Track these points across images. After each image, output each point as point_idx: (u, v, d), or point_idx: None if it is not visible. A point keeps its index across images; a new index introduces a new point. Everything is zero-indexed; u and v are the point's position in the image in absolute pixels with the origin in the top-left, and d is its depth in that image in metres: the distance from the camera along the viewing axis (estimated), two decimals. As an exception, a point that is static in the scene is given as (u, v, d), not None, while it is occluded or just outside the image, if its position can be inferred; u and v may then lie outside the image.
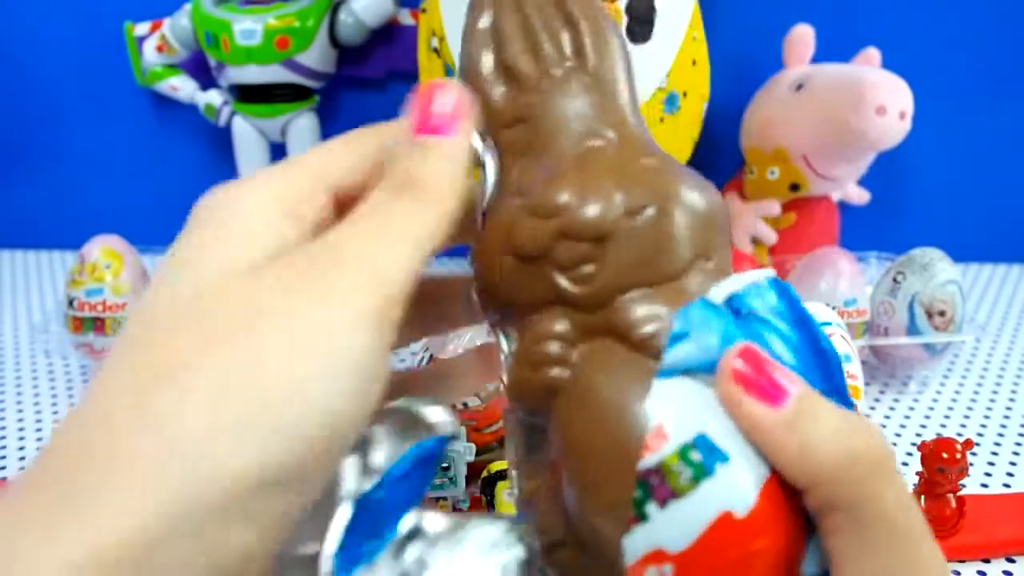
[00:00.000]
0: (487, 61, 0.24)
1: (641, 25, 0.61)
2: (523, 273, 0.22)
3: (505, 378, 0.23)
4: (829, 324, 0.53)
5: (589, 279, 0.21)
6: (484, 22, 0.24)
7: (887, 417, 0.61)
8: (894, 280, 0.63)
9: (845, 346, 0.53)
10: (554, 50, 0.24)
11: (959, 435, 0.58)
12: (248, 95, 0.77)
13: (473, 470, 0.47)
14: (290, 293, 0.19)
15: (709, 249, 0.22)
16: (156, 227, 0.79)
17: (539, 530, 0.22)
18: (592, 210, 0.21)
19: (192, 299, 0.19)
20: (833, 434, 0.18)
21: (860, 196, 0.82)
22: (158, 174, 0.91)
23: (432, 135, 0.22)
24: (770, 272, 0.21)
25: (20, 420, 0.62)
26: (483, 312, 0.24)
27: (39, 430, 0.60)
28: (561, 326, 0.21)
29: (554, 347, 0.21)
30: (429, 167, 0.21)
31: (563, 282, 0.21)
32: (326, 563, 0.21)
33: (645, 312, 0.21)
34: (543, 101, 0.23)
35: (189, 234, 0.21)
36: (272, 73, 0.75)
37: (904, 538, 0.18)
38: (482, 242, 0.23)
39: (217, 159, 0.88)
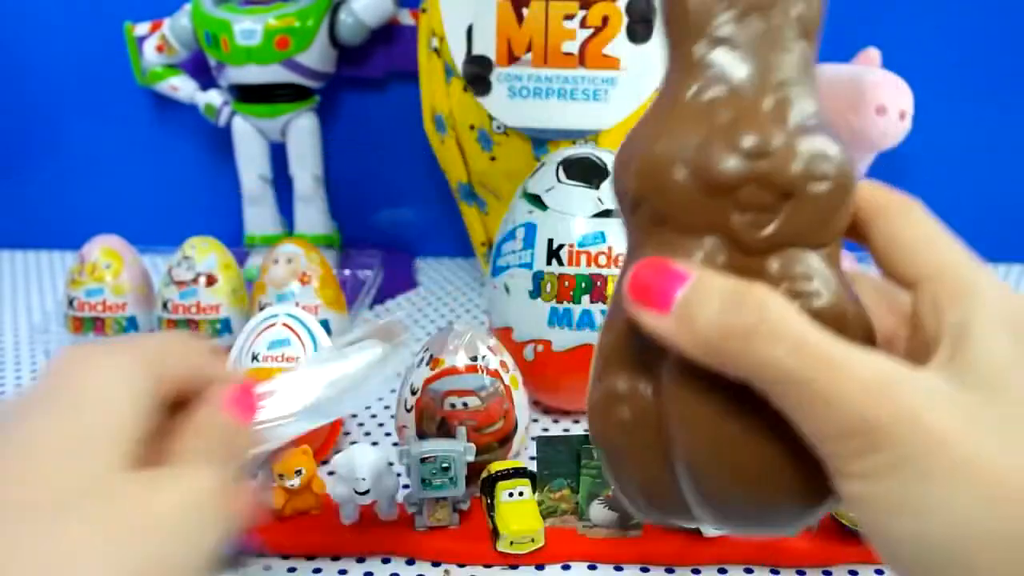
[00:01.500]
0: None
1: (641, 25, 0.61)
2: (697, 195, 0.22)
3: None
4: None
5: (762, 226, 0.22)
6: None
7: (887, 417, 0.61)
8: (894, 280, 0.63)
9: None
10: None
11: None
12: (248, 95, 0.77)
13: (473, 470, 0.47)
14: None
15: (846, 223, 0.23)
16: (156, 227, 0.80)
17: (619, 430, 0.23)
18: (793, 167, 0.22)
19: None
20: (717, 315, 0.20)
21: (860, 196, 0.82)
22: (158, 174, 0.91)
23: (237, 416, 0.24)
24: None
25: (20, 420, 0.62)
26: (619, 203, 0.24)
27: (39, 430, 0.60)
28: (718, 258, 0.22)
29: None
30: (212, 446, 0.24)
31: (739, 222, 0.22)
32: None
33: (801, 270, 0.22)
34: (753, 35, 0.23)
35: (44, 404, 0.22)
36: (272, 73, 0.75)
37: (799, 385, 0.20)
38: (651, 147, 0.23)
39: (217, 159, 0.88)
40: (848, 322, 0.22)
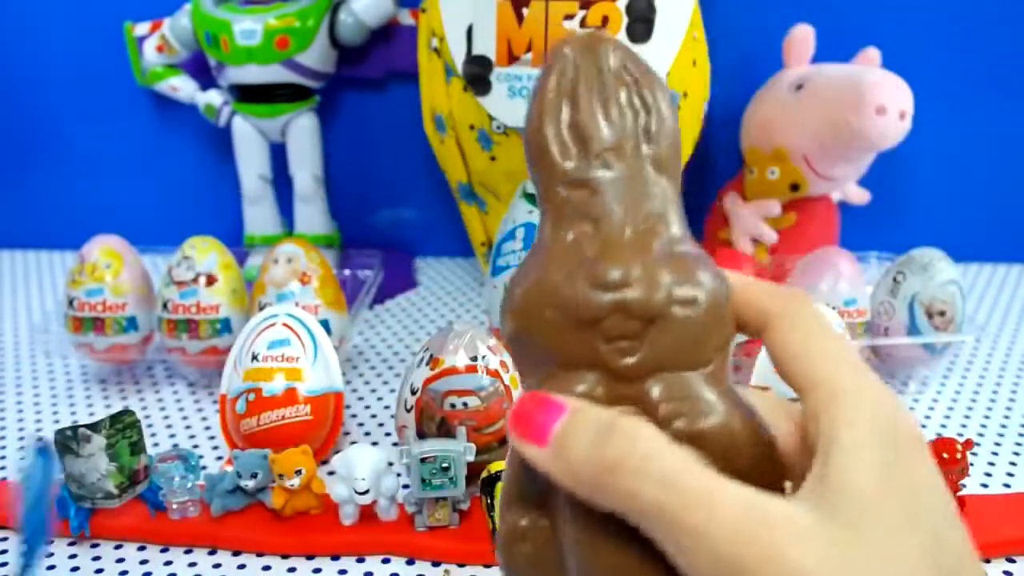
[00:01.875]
0: (558, 116, 0.24)
1: (641, 25, 0.61)
2: (566, 333, 0.23)
3: None
4: (829, 324, 0.53)
5: (631, 353, 0.23)
6: (559, 80, 0.24)
7: (887, 417, 0.61)
8: (894, 280, 0.63)
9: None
10: (628, 124, 0.25)
11: (959, 435, 0.58)
12: (248, 95, 0.77)
13: (473, 470, 0.47)
14: None
15: (727, 341, 0.24)
16: (156, 227, 0.80)
17: (523, 565, 0.24)
18: (651, 293, 0.22)
19: None
20: (588, 448, 0.20)
21: (860, 196, 0.82)
22: (158, 174, 0.91)
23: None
24: None
25: (20, 420, 0.62)
26: (506, 347, 0.25)
27: (39, 430, 0.60)
28: (597, 390, 0.23)
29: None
30: None
31: (607, 352, 0.23)
32: None
33: (679, 391, 0.23)
34: (612, 172, 0.24)
35: None
36: (272, 73, 0.75)
37: (668, 522, 0.19)
38: (523, 289, 0.24)
39: (217, 159, 0.88)
40: (736, 439, 0.22)
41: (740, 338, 0.25)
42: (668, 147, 0.25)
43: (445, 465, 0.45)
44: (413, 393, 0.51)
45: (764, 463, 0.23)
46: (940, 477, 0.20)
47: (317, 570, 0.46)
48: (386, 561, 0.47)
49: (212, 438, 0.59)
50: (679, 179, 0.25)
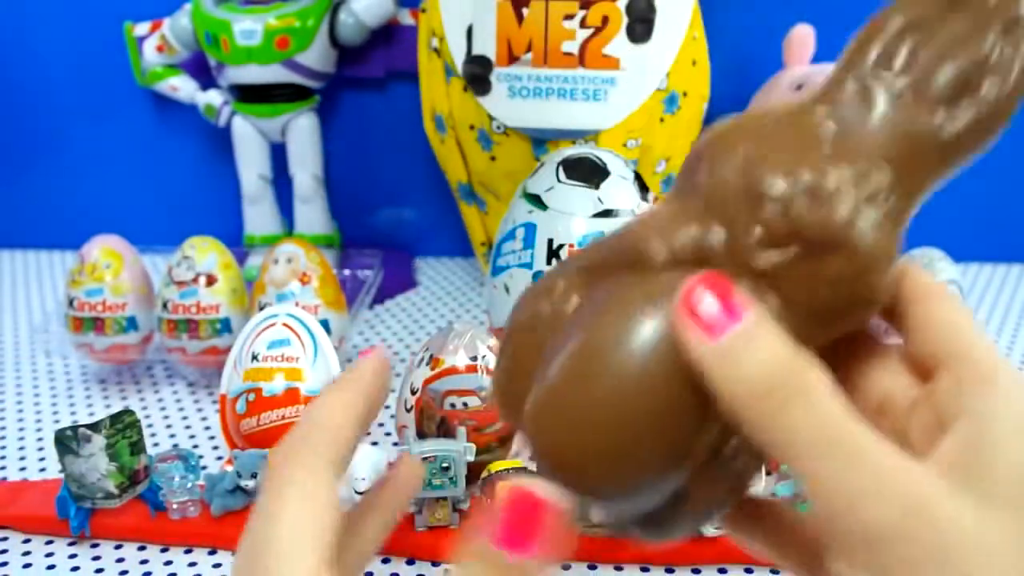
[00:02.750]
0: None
1: (641, 25, 0.61)
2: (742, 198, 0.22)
3: None
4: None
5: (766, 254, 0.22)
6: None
7: (887, 417, 0.61)
8: (894, 280, 0.63)
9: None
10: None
11: (959, 435, 0.58)
12: (248, 95, 0.77)
13: (473, 470, 0.47)
14: None
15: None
16: (156, 227, 0.80)
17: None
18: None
19: None
20: (766, 368, 0.20)
21: (860, 196, 0.82)
22: (158, 174, 0.91)
23: (515, 551, 0.20)
24: None
25: (20, 420, 0.62)
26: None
27: (39, 430, 0.60)
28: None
29: None
30: None
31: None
32: None
33: None
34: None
35: None
36: (272, 73, 0.75)
37: (832, 472, 0.19)
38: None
39: (217, 159, 0.88)
40: None
41: None
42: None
43: (445, 465, 0.45)
44: (413, 393, 0.51)
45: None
46: None
47: (317, 570, 0.46)
48: (386, 561, 0.47)
49: (212, 438, 0.59)
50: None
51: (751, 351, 0.20)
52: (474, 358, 0.50)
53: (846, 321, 0.22)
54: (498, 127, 0.65)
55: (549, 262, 0.54)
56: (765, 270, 0.21)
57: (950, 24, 0.22)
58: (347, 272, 0.77)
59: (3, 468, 0.56)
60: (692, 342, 0.20)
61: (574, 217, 0.53)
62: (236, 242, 0.75)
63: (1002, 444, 0.19)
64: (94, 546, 0.48)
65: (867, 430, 0.19)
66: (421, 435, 0.50)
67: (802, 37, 0.76)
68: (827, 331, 0.22)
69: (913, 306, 0.23)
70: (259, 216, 0.82)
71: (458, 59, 0.64)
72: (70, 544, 0.48)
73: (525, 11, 0.61)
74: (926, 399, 0.22)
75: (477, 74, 0.63)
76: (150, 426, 0.60)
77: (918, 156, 0.22)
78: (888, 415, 0.23)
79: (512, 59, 0.62)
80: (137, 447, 0.47)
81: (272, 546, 0.22)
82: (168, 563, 0.47)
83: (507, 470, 0.47)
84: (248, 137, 0.79)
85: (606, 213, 0.53)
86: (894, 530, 0.19)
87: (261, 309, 0.60)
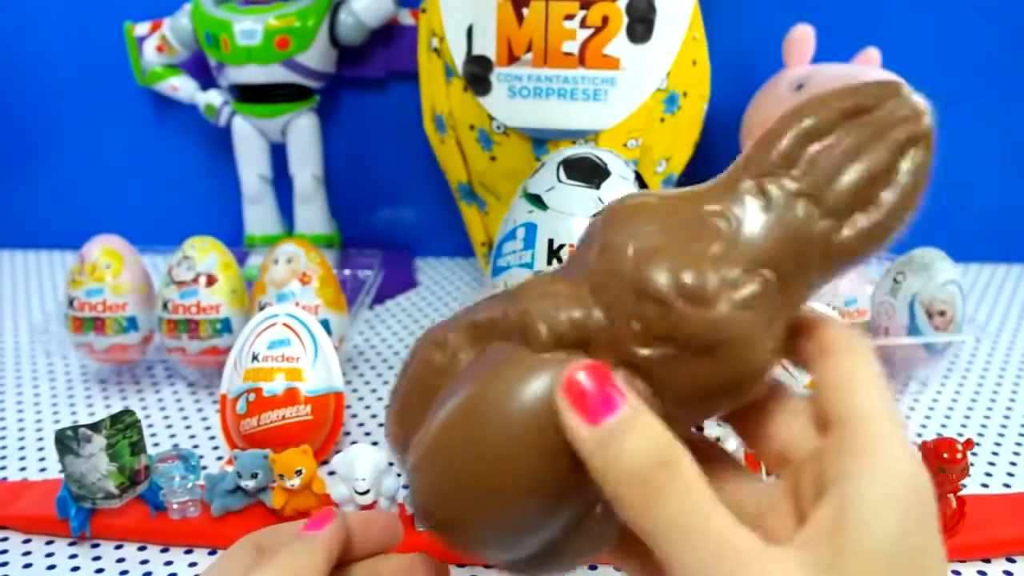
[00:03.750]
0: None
1: (641, 25, 0.61)
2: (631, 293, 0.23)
3: None
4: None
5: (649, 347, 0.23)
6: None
7: (887, 417, 0.61)
8: (894, 280, 0.63)
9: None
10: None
11: (960, 435, 0.58)
12: (248, 95, 0.77)
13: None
14: None
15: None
16: (156, 227, 0.80)
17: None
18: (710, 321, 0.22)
19: None
20: (638, 458, 0.20)
21: (860, 196, 0.82)
22: (158, 174, 0.91)
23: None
24: None
25: (20, 420, 0.62)
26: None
27: (39, 430, 0.60)
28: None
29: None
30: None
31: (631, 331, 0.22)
32: None
33: None
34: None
35: None
36: (272, 73, 0.75)
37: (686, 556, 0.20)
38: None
39: (217, 159, 0.88)
40: None
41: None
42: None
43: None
44: (413, 393, 0.50)
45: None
46: (942, 541, 0.21)
47: (317, 570, 0.46)
48: (386, 561, 0.47)
49: (212, 438, 0.59)
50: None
51: (625, 440, 0.20)
52: (474, 358, 0.50)
53: (721, 406, 0.23)
54: (498, 127, 0.65)
55: (550, 262, 0.54)
56: (641, 362, 0.22)
57: (853, 133, 0.23)
58: (347, 272, 0.77)
59: (3, 468, 0.56)
60: (573, 425, 0.21)
61: (575, 217, 0.53)
62: (236, 242, 0.75)
63: (868, 519, 0.20)
64: (94, 546, 0.48)
65: (732, 521, 0.20)
66: (421, 435, 0.50)
67: (802, 37, 0.76)
68: (703, 413, 0.23)
69: (818, 362, 0.23)
70: (259, 216, 0.82)
71: (458, 59, 0.64)
72: (70, 544, 0.48)
73: (525, 11, 0.61)
74: (814, 458, 0.22)
75: (477, 74, 0.63)
76: (150, 426, 0.60)
77: (806, 260, 0.22)
78: (789, 464, 0.23)
79: (512, 59, 0.62)
80: (137, 447, 0.47)
81: None
82: (168, 563, 0.47)
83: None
84: (248, 137, 0.79)
85: (606, 213, 0.53)
86: None
87: (261, 309, 0.60)
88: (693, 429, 0.25)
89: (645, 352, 0.22)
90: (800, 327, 0.23)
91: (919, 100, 0.23)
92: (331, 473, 0.49)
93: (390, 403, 0.26)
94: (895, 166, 0.23)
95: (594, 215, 0.24)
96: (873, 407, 0.21)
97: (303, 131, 0.79)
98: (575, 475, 0.21)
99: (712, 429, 0.44)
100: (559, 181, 0.54)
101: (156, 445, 0.58)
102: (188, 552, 0.48)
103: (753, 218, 0.22)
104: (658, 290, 0.21)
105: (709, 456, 0.24)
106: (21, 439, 0.59)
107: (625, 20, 0.60)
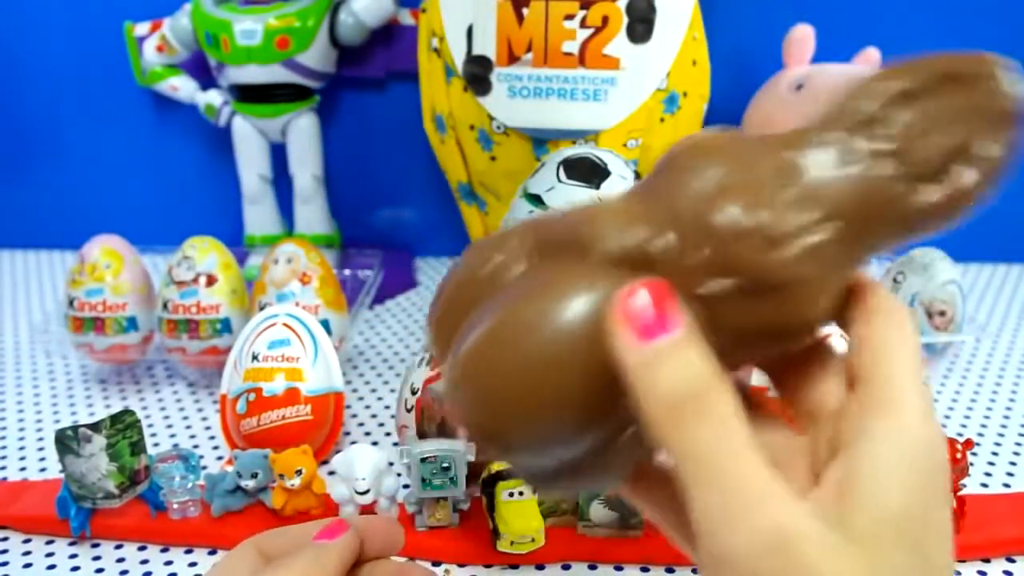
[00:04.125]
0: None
1: (641, 25, 0.61)
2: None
3: None
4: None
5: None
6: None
7: (887, 417, 0.61)
8: (894, 280, 0.63)
9: (845, 346, 0.53)
10: None
11: (959, 435, 0.58)
12: (248, 95, 0.77)
13: (473, 470, 0.47)
14: None
15: None
16: (156, 227, 0.80)
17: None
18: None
19: None
20: (680, 383, 0.20)
21: (860, 196, 0.82)
22: (158, 174, 0.91)
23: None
24: None
25: (20, 420, 0.62)
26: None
27: (39, 430, 0.60)
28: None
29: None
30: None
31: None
32: None
33: None
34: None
35: None
36: (272, 73, 0.75)
37: (711, 486, 0.20)
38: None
39: (217, 159, 0.88)
40: None
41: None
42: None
43: (445, 465, 0.45)
44: (413, 393, 0.51)
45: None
46: (951, 507, 0.21)
47: (317, 570, 0.46)
48: (386, 561, 0.47)
49: (212, 438, 0.59)
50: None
51: (672, 363, 0.20)
52: (474, 358, 0.50)
53: (774, 349, 0.23)
54: (498, 127, 0.65)
55: (549, 262, 0.54)
56: (703, 293, 0.22)
57: (943, 101, 0.23)
58: (347, 272, 0.77)
59: (3, 468, 0.56)
60: (620, 340, 0.21)
61: (574, 217, 0.53)
62: (236, 242, 0.75)
63: (881, 479, 0.20)
64: (94, 546, 0.48)
65: (759, 462, 0.20)
66: (421, 435, 0.50)
67: (802, 37, 0.76)
68: (755, 354, 0.23)
69: (857, 324, 0.23)
70: (259, 216, 0.82)
71: (458, 59, 0.64)
72: (70, 544, 0.48)
73: (525, 11, 0.61)
74: (835, 416, 0.22)
75: (477, 74, 0.63)
76: (150, 426, 0.60)
77: (879, 218, 0.22)
78: (818, 423, 0.23)
79: (512, 59, 0.62)
80: (137, 447, 0.47)
81: None
82: (168, 563, 0.47)
83: (508, 470, 0.47)
84: (248, 137, 0.79)
85: (606, 213, 0.53)
86: (755, 564, 0.19)
87: (261, 309, 0.60)
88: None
89: (709, 283, 0.22)
90: (847, 288, 0.23)
91: (1015, 81, 0.23)
92: (331, 473, 0.49)
93: (435, 301, 0.25)
94: (982, 142, 0.23)
95: (677, 142, 0.23)
96: (900, 370, 0.22)
97: (303, 131, 0.79)
98: (615, 395, 0.21)
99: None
100: (559, 181, 0.54)
101: (156, 445, 0.58)
102: (188, 552, 0.48)
103: (834, 169, 0.22)
104: (731, 224, 0.21)
105: (744, 400, 0.24)
106: (21, 439, 0.59)
107: (625, 20, 0.60)
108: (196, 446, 0.58)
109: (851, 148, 0.23)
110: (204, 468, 0.54)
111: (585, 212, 0.23)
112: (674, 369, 0.20)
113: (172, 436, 0.59)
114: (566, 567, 0.46)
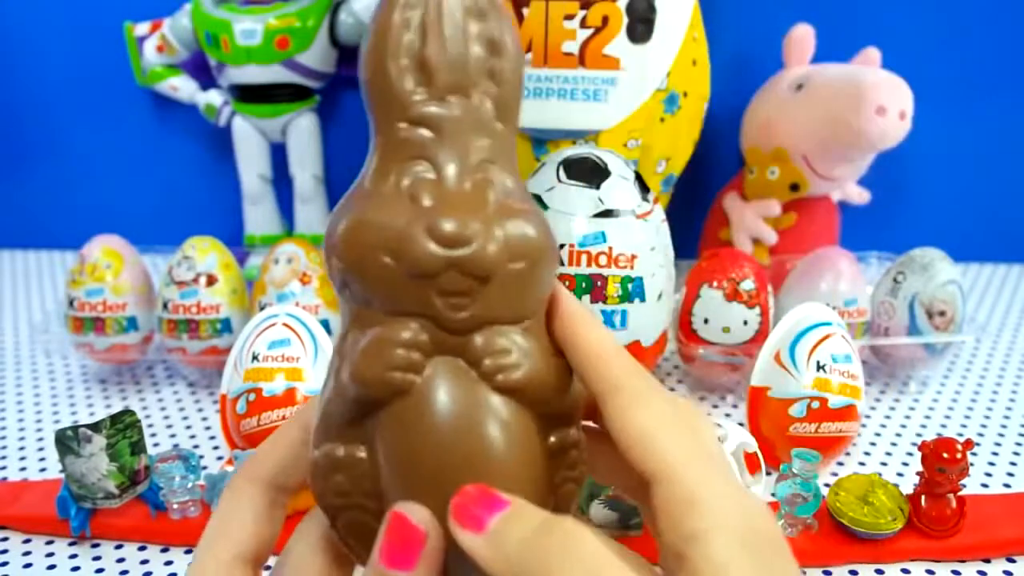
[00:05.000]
0: (401, 48, 0.24)
1: (641, 25, 0.61)
2: (398, 281, 0.23)
3: (349, 363, 0.24)
4: (829, 324, 0.53)
5: (463, 308, 0.23)
6: (403, 11, 0.23)
7: (887, 417, 0.61)
8: (894, 280, 0.63)
9: (845, 346, 0.53)
10: (476, 67, 0.24)
11: (959, 435, 0.58)
12: (248, 95, 0.77)
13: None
14: None
15: (547, 295, 0.25)
16: (156, 227, 0.80)
17: (336, 494, 0.24)
18: (489, 251, 0.22)
19: None
20: (521, 542, 0.21)
21: (860, 196, 0.82)
22: (158, 174, 0.91)
23: (396, 569, 0.23)
24: None
25: (20, 420, 0.62)
26: (333, 279, 0.24)
27: (39, 430, 0.60)
28: (422, 337, 0.23)
29: (413, 355, 0.23)
30: None
31: (439, 305, 0.23)
32: None
33: (502, 345, 0.23)
34: (455, 116, 0.23)
35: None
36: (272, 73, 0.75)
37: None
38: (352, 228, 0.23)
39: (217, 159, 0.88)
40: (552, 386, 0.24)
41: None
42: (511, 89, 0.24)
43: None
44: (413, 393, 0.50)
45: (573, 406, 0.25)
46: (795, 562, 0.21)
47: (317, 570, 0.46)
48: (386, 561, 0.47)
49: (212, 438, 0.59)
50: (517, 126, 0.25)
51: (511, 530, 0.21)
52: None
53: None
54: (498, 127, 0.65)
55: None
56: (468, 317, 0.23)
57: None
58: (347, 272, 0.77)
59: (3, 468, 0.56)
60: (467, 541, 0.22)
61: (575, 217, 0.53)
62: (236, 242, 0.75)
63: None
64: (94, 546, 0.48)
65: (627, 568, 0.20)
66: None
67: (802, 37, 0.76)
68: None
69: (606, 408, 0.23)
70: (259, 216, 0.82)
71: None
72: (70, 544, 0.48)
73: (525, 11, 0.61)
74: (652, 516, 0.22)
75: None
76: (150, 426, 0.60)
77: None
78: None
79: (512, 59, 0.62)
80: (138, 447, 0.47)
81: (201, 540, 0.26)
82: (168, 563, 0.47)
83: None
84: (248, 137, 0.79)
85: (607, 213, 0.53)
86: None
87: (261, 309, 0.60)
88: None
89: (467, 313, 0.23)
90: (583, 357, 0.24)
91: None
92: (331, 473, 0.49)
93: (349, 549, 0.25)
94: None
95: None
96: (685, 453, 0.22)
97: (303, 131, 0.79)
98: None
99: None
100: (559, 181, 0.54)
101: (156, 445, 0.58)
102: (188, 552, 0.48)
103: (434, 144, 0.24)
104: (431, 261, 0.22)
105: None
106: (21, 439, 0.59)
107: (625, 20, 0.60)
108: (196, 446, 0.58)
109: None
110: (204, 468, 0.54)
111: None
112: (517, 532, 0.21)
113: (172, 436, 0.59)
114: (566, 567, 0.46)
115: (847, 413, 0.52)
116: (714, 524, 0.20)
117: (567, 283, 0.53)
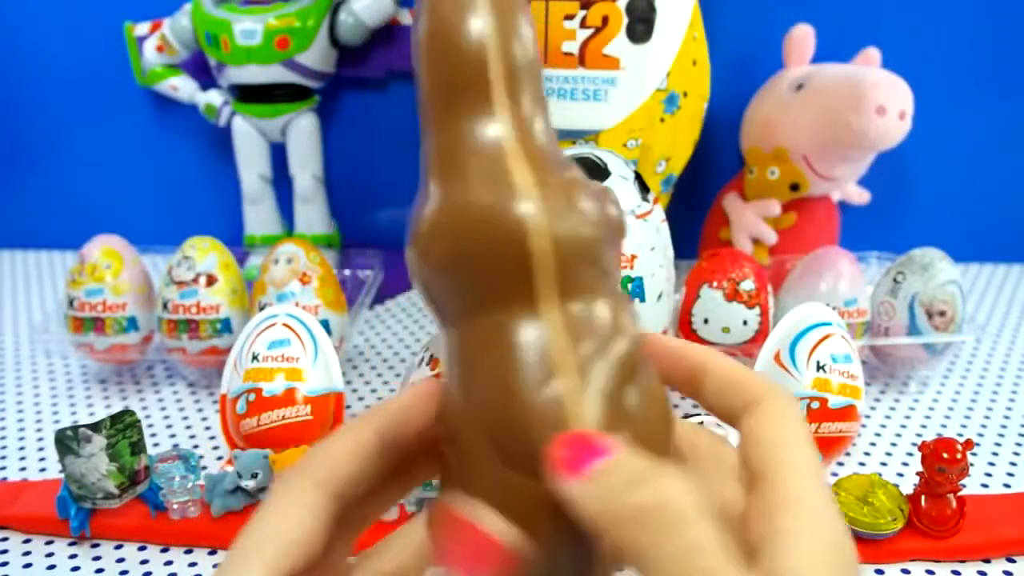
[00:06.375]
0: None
1: (641, 25, 0.61)
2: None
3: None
4: (829, 324, 0.53)
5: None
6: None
7: (887, 417, 0.61)
8: (894, 280, 0.63)
9: (845, 346, 0.53)
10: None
11: (959, 435, 0.58)
12: (248, 95, 0.77)
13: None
14: None
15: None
16: (156, 227, 0.80)
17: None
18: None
19: None
20: (618, 494, 0.21)
21: (860, 196, 0.82)
22: (158, 174, 0.91)
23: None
24: None
25: (20, 420, 0.62)
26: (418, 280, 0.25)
27: (39, 430, 0.60)
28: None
29: None
30: None
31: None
32: None
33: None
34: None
35: None
36: (272, 73, 0.75)
37: None
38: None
39: (217, 159, 0.88)
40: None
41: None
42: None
43: (445, 465, 0.45)
44: (413, 393, 0.50)
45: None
46: None
47: (317, 570, 0.46)
48: (386, 561, 0.47)
49: (212, 438, 0.59)
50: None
51: (612, 477, 0.21)
52: (474, 358, 0.50)
53: None
54: (498, 127, 0.65)
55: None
56: None
57: None
58: (347, 272, 0.77)
59: (3, 468, 0.56)
60: (566, 487, 0.21)
61: (574, 217, 0.53)
62: (236, 242, 0.75)
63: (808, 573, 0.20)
64: (94, 546, 0.48)
65: (718, 554, 0.19)
66: (421, 435, 0.50)
67: (802, 37, 0.76)
68: None
69: (743, 418, 0.24)
70: (259, 216, 0.82)
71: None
72: (70, 544, 0.48)
73: (525, 11, 0.61)
74: (742, 518, 0.22)
75: (477, 74, 0.63)
76: (150, 426, 0.60)
77: None
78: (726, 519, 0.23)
79: (512, 59, 0.62)
80: (137, 447, 0.47)
81: (232, 550, 0.23)
82: (168, 563, 0.47)
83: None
84: (248, 137, 0.79)
85: (606, 213, 0.53)
86: None
87: (261, 309, 0.60)
88: None
89: None
90: (727, 383, 0.24)
91: None
92: (331, 473, 0.49)
93: None
94: None
95: None
96: (792, 461, 0.22)
97: (303, 131, 0.79)
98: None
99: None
100: (559, 181, 0.54)
101: (156, 445, 0.58)
102: (188, 552, 0.48)
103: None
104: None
105: None
106: (21, 439, 0.59)
107: (625, 20, 0.60)
108: (196, 446, 0.58)
109: None
110: (204, 468, 0.54)
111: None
112: (618, 480, 0.21)
113: (172, 436, 0.59)
114: (566, 567, 0.46)
115: (847, 413, 0.52)
116: (808, 536, 0.20)
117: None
